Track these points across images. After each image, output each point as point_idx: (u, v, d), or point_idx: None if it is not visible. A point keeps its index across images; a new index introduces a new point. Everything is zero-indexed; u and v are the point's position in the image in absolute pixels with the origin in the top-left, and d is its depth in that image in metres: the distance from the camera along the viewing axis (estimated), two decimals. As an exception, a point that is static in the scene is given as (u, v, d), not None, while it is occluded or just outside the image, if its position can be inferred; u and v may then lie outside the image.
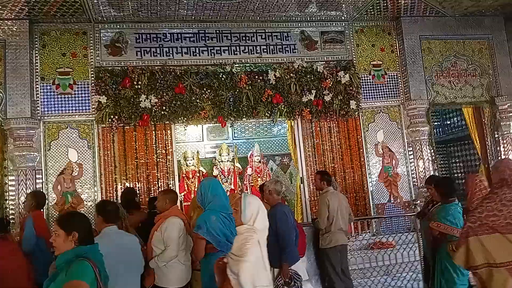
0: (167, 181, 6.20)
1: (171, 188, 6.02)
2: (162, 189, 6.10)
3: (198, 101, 6.29)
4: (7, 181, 5.71)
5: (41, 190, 5.47)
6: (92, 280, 2.20)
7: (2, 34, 5.84)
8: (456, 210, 4.01)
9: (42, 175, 5.84)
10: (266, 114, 6.53)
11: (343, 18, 6.97)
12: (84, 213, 3.47)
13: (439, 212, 4.07)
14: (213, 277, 3.12)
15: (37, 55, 6.04)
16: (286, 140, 9.15)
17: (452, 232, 3.86)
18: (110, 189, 6.03)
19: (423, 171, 6.86)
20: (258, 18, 6.65)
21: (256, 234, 2.79)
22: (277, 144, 9.90)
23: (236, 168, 8.80)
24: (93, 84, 6.11)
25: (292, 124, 7.01)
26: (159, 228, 3.68)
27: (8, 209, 5.64)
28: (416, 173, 6.94)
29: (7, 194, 5.67)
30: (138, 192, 5.91)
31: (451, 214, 3.95)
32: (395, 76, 7.16)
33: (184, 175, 8.38)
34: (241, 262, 2.65)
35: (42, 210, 4.93)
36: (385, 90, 7.07)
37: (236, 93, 6.41)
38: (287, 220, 4.03)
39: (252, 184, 8.64)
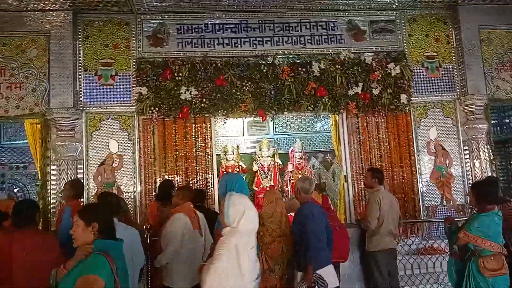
0: (206, 175, 6.06)
1: (205, 182, 5.98)
2: (200, 183, 5.99)
3: (238, 93, 6.08)
4: (49, 171, 5.77)
5: (79, 179, 5.47)
6: (108, 276, 2.10)
7: (47, 25, 5.89)
8: (493, 221, 3.38)
9: (83, 165, 5.86)
10: (309, 107, 6.22)
11: (394, 6, 6.51)
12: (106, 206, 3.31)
13: (471, 222, 3.46)
14: None
15: (80, 46, 6.06)
16: (329, 136, 8.81)
17: (484, 245, 3.30)
18: (150, 181, 5.97)
19: (480, 172, 6.30)
20: (303, 7, 6.34)
21: (234, 237, 2.58)
22: (319, 140, 9.54)
23: (276, 164, 8.56)
24: (134, 76, 6.06)
25: (337, 119, 6.65)
26: (166, 224, 3.55)
27: (49, 198, 5.70)
28: (472, 175, 6.39)
29: (49, 183, 5.73)
30: (176, 185, 5.80)
31: (486, 225, 3.34)
32: (451, 69, 6.62)
33: (223, 170, 8.24)
34: (209, 268, 2.47)
35: (80, 200, 4.90)
36: (439, 84, 6.55)
37: (278, 85, 6.15)
38: (314, 220, 3.76)
39: (293, 180, 8.36)
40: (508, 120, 8.96)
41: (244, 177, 8.58)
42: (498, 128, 8.94)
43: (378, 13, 6.59)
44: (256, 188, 8.47)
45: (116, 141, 5.99)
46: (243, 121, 8.98)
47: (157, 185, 5.80)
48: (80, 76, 6.01)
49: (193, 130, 6.11)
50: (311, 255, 3.70)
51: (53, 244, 3.39)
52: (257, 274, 2.81)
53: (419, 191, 6.32)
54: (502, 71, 6.64)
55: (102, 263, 2.11)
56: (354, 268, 4.57)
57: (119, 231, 2.85)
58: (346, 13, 6.51)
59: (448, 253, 4.13)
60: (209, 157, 6.12)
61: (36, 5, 5.77)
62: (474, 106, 6.37)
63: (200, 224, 3.86)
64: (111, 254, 2.18)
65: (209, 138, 6.15)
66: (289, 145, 9.10)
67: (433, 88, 6.54)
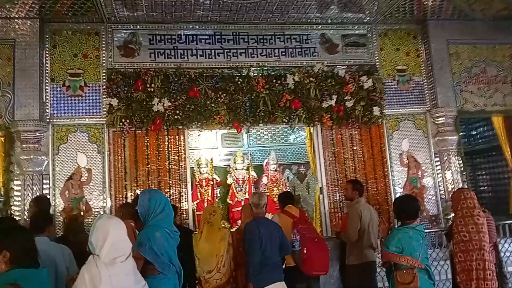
0: (179, 188, 5.89)
1: (179, 196, 5.82)
2: (173, 197, 5.82)
3: (213, 105, 5.99)
4: (13, 186, 5.47)
5: (45, 195, 5.20)
6: None
7: (12, 33, 5.64)
8: (407, 234, 3.42)
9: (49, 180, 5.58)
10: (284, 120, 6.20)
11: (365, 20, 6.63)
12: (25, 228, 3.03)
13: (388, 239, 3.55)
14: None
15: (47, 55, 5.83)
16: (303, 148, 8.82)
17: (400, 261, 3.37)
18: (120, 195, 5.75)
19: (451, 183, 6.42)
20: (277, 20, 6.35)
21: (93, 269, 2.28)
22: (294, 153, 9.53)
23: (251, 176, 8.47)
24: (104, 86, 5.87)
25: (312, 131, 6.66)
26: None
27: (13, 215, 5.38)
28: (443, 185, 6.51)
29: (12, 199, 5.43)
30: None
31: (399, 240, 3.40)
32: (421, 82, 6.77)
33: (197, 183, 8.08)
34: None
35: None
36: (410, 97, 6.68)
37: (252, 97, 6.10)
38: (253, 236, 3.66)
39: (268, 193, 8.28)
40: (475, 132, 9.25)
41: (218, 190, 8.48)
42: (466, 140, 9.20)
43: (351, 27, 6.68)
44: (231, 202, 8.34)
45: (85, 154, 5.75)
46: (216, 134, 8.88)
47: (129, 200, 5.61)
48: (47, 87, 5.77)
49: (166, 143, 5.95)
50: (248, 272, 3.65)
51: None
52: None
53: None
54: (470, 84, 6.85)
55: None
56: (334, 282, 4.50)
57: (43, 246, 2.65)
58: (320, 27, 6.57)
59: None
60: (182, 170, 5.96)
61: (0, 13, 5.53)
62: (444, 118, 6.52)
63: None
64: (26, 285, 1.89)
65: (182, 151, 6.00)
66: (264, 157, 9.04)
67: (404, 101, 6.65)
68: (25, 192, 5.40)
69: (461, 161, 6.57)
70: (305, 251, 4.25)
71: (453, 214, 4.25)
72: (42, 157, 5.52)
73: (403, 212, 3.57)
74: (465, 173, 6.60)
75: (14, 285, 1.88)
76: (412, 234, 3.43)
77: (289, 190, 7.86)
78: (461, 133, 8.83)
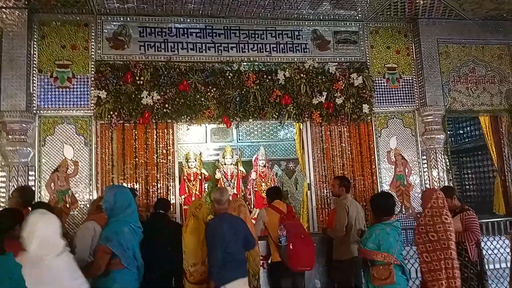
0: (167, 182, 5.87)
1: (166, 190, 5.82)
2: (161, 191, 5.80)
3: (202, 99, 5.96)
4: (-3, 177, 5.41)
5: (29, 186, 5.14)
6: None
7: (0, 23, 5.55)
8: (384, 230, 3.49)
9: (35, 171, 5.52)
10: (274, 115, 6.19)
11: (357, 18, 6.64)
12: None
13: (365, 236, 3.62)
14: None
15: (35, 46, 5.74)
16: (292, 144, 8.84)
17: (377, 257, 3.43)
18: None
19: (438, 181, 6.48)
20: (269, 15, 6.33)
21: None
22: (283, 149, 9.56)
23: (239, 172, 8.47)
24: (93, 78, 5.80)
25: (301, 127, 6.66)
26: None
27: (-3, 207, 5.32)
28: (429, 183, 6.56)
29: (-4, 191, 5.37)
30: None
31: (376, 237, 3.48)
32: (411, 80, 6.81)
33: (185, 177, 8.06)
34: None
35: (29, 208, 4.58)
36: (399, 95, 6.71)
37: (243, 92, 6.08)
38: (216, 232, 3.66)
39: (256, 189, 8.30)
40: (462, 131, 9.36)
41: (206, 185, 8.47)
42: (452, 139, 9.30)
43: (342, 24, 6.69)
44: (218, 196, 8.32)
45: (72, 146, 5.69)
46: (206, 128, 8.86)
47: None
48: (34, 78, 5.69)
49: (155, 136, 5.92)
50: (211, 270, 3.66)
51: None
52: None
53: (380, 200, 6.41)
54: (458, 83, 6.91)
55: None
56: (320, 277, 4.53)
57: None
58: (311, 23, 6.57)
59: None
60: (170, 164, 5.93)
61: (-13, 2, 5.44)
62: (432, 117, 6.57)
63: None
64: None
65: (171, 145, 5.97)
66: (253, 152, 9.05)
67: (393, 99, 6.69)
68: (10, 184, 5.34)
69: (447, 160, 6.64)
70: (291, 247, 4.27)
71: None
72: (28, 148, 5.46)
73: (380, 209, 3.60)
74: (451, 171, 6.68)
75: None
76: (390, 231, 3.49)
77: (277, 186, 7.88)
78: (449, 132, 8.95)
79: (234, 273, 3.65)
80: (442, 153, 6.59)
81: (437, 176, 6.50)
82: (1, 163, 5.45)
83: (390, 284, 3.37)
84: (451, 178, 6.63)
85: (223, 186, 8.33)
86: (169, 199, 5.52)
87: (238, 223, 3.90)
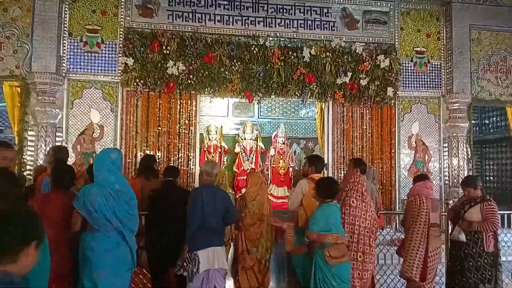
0: (187, 152, 6.00)
1: (187, 160, 5.95)
2: (182, 160, 5.94)
3: (226, 73, 6.00)
4: (27, 136, 5.60)
5: (65, 146, 5.29)
6: None
7: (33, -16, 5.65)
8: (325, 211, 3.52)
9: (62, 133, 5.71)
10: (297, 93, 6.20)
11: (389, -3, 6.50)
12: None
13: (310, 220, 3.59)
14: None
15: (66, 9, 5.82)
16: (313, 123, 8.84)
17: (325, 239, 3.43)
18: (130, 154, 5.88)
19: (457, 170, 6.43)
20: (298, -10, 6.26)
21: None
22: (303, 127, 9.57)
23: (259, 147, 8.55)
24: (121, 45, 5.88)
25: (323, 107, 6.65)
26: None
27: (25, 164, 5.55)
28: (448, 172, 6.52)
29: (25, 149, 5.57)
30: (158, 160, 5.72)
31: (318, 219, 3.49)
32: (439, 66, 6.67)
33: (205, 149, 8.19)
34: None
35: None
36: (426, 80, 6.60)
37: (267, 68, 6.08)
38: (195, 199, 3.74)
39: (274, 165, 8.39)
40: (487, 121, 9.17)
41: (225, 158, 8.57)
42: (477, 128, 9.14)
43: (373, 3, 6.55)
44: (236, 170, 8.47)
45: (98, 111, 5.85)
46: (228, 102, 8.91)
47: (137, 159, 5.73)
48: (64, 41, 5.80)
49: (178, 106, 6.02)
50: (187, 234, 3.75)
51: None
52: None
53: (396, 184, 6.42)
54: (488, 72, 6.74)
55: None
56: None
57: None
58: (341, 0, 6.46)
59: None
60: (192, 135, 6.04)
61: (22, -38, 5.52)
62: (457, 104, 6.46)
63: None
64: None
65: (193, 116, 6.07)
66: (273, 129, 9.09)
67: (419, 84, 6.59)
68: (38, 143, 5.54)
69: (469, 149, 6.56)
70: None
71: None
72: (57, 110, 5.63)
73: (325, 192, 3.61)
74: (471, 161, 6.60)
75: None
76: (337, 210, 3.56)
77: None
78: (473, 121, 8.80)
79: (207, 241, 3.70)
80: (465, 142, 6.51)
81: (457, 165, 6.45)
82: (30, 123, 5.63)
83: (346, 262, 3.44)
84: (471, 168, 6.56)
85: (242, 160, 8.44)
86: (189, 168, 5.64)
87: (221, 194, 3.92)
